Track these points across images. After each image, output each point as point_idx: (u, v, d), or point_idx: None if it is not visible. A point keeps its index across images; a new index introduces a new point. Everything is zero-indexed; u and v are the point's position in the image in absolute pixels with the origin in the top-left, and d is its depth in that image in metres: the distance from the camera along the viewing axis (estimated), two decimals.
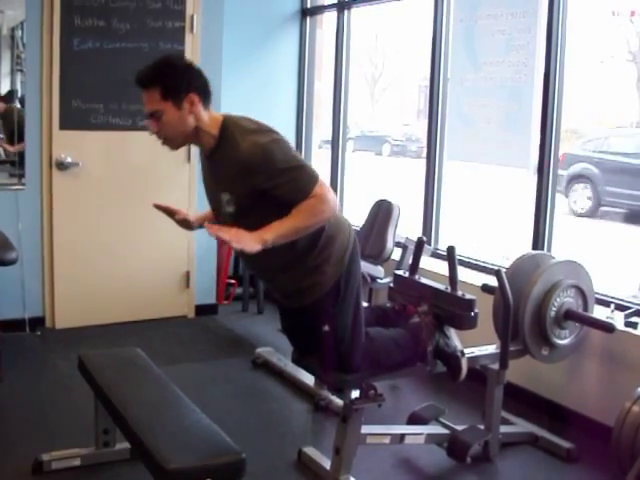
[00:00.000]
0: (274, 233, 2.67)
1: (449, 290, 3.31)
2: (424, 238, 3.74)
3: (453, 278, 3.31)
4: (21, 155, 5.10)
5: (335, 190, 6.29)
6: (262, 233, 2.66)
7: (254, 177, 2.69)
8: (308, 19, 6.47)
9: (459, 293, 3.28)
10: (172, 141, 2.83)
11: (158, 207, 3.09)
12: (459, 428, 3.58)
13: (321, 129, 7.16)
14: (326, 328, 2.95)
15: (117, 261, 5.44)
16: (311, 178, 2.73)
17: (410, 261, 3.77)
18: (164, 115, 2.73)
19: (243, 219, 2.76)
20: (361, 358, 3.04)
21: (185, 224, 3.20)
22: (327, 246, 2.90)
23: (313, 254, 2.88)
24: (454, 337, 3.31)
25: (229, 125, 2.78)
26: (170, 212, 3.14)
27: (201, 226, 3.21)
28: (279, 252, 2.74)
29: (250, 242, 2.63)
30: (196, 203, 5.55)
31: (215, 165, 2.86)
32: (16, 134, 5.15)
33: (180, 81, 2.73)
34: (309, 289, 2.94)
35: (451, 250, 3.33)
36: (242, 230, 2.65)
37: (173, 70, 2.76)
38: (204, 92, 2.79)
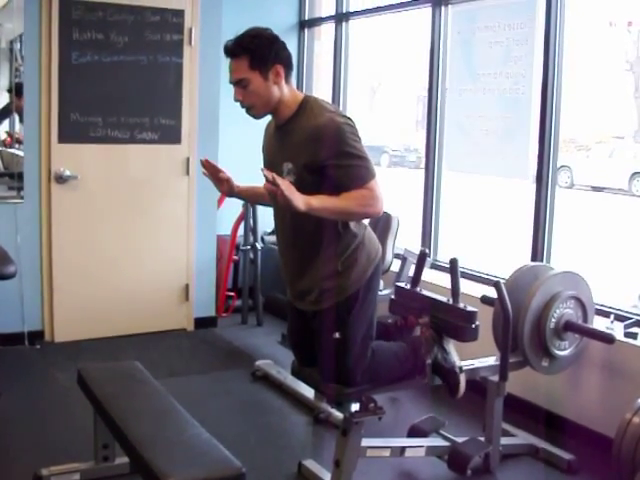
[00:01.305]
0: (321, 203, 2.73)
1: (451, 302, 3.31)
2: (426, 250, 3.74)
3: (455, 290, 3.31)
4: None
5: None
6: (310, 198, 2.71)
7: (321, 150, 2.77)
8: (306, 31, 6.49)
9: (461, 305, 3.27)
10: (256, 109, 2.91)
11: (204, 165, 3.18)
12: (459, 440, 3.57)
13: None
14: (337, 335, 2.98)
15: (116, 274, 5.44)
16: (370, 172, 2.81)
17: (409, 273, 3.77)
18: (250, 84, 2.84)
19: (300, 190, 2.78)
20: (363, 372, 3.04)
21: (227, 186, 3.22)
22: (356, 253, 2.97)
23: (344, 257, 2.94)
24: (453, 352, 3.31)
25: (309, 100, 2.91)
26: (215, 170, 3.19)
27: (240, 196, 3.36)
28: (315, 245, 2.91)
29: (298, 199, 2.67)
30: (195, 216, 5.55)
31: (285, 134, 2.94)
32: None
33: (268, 52, 2.85)
34: (330, 291, 2.98)
35: (454, 262, 3.32)
36: (293, 189, 2.69)
37: (262, 41, 2.88)
38: (289, 65, 2.92)
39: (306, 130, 2.83)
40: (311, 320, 3.10)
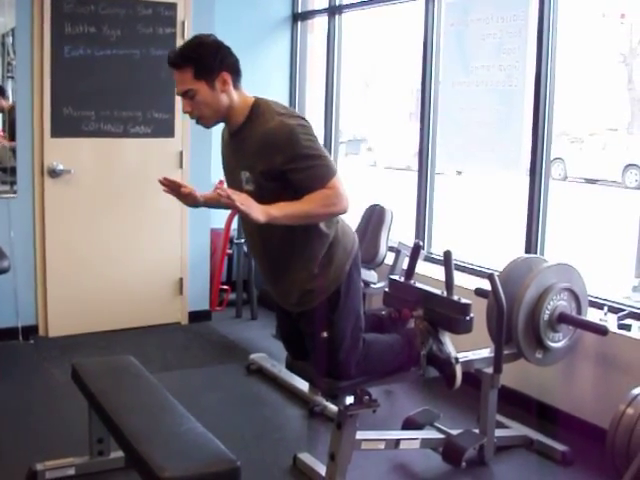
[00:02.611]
0: (282, 211, 2.68)
1: (445, 294, 3.31)
2: (420, 243, 3.73)
3: (449, 282, 3.31)
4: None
5: None
6: (270, 208, 2.65)
7: (276, 156, 2.71)
8: (299, 24, 6.48)
9: (455, 297, 3.27)
10: (206, 119, 2.85)
11: (163, 183, 3.09)
12: (454, 432, 3.58)
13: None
14: (325, 334, 2.95)
15: (110, 268, 5.43)
16: (330, 170, 2.74)
17: (403, 266, 3.77)
18: (197, 94, 2.76)
19: (260, 199, 2.75)
20: (357, 364, 3.04)
21: (191, 199, 3.16)
22: (330, 251, 2.92)
23: (319, 258, 2.90)
24: (448, 343, 3.31)
25: (260, 104, 2.83)
26: (175, 186, 3.12)
27: (207, 205, 3.24)
28: (287, 252, 2.85)
29: (257, 210, 2.62)
30: (188, 210, 5.54)
31: (239, 142, 2.88)
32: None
33: (213, 60, 2.76)
34: (311, 293, 2.94)
35: (447, 255, 3.32)
36: (250, 199, 2.65)
37: (205, 49, 2.78)
38: (236, 71, 2.83)
39: (258, 137, 2.76)
40: (297, 320, 3.09)
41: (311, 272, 2.91)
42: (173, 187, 3.11)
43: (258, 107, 2.82)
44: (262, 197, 2.71)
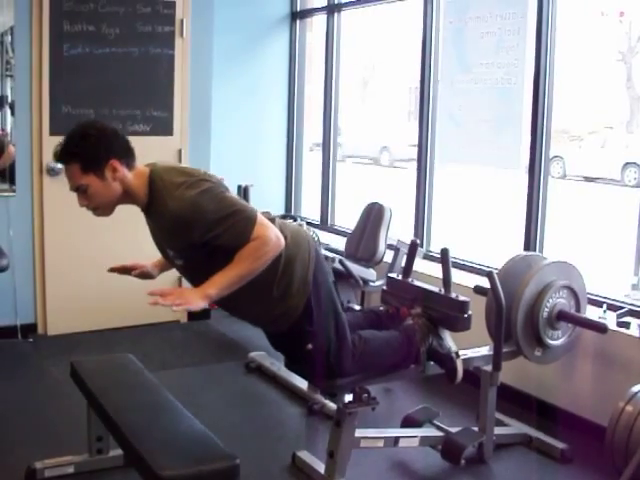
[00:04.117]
0: (218, 286, 2.62)
1: (443, 292, 3.31)
2: (417, 241, 3.73)
3: (447, 280, 3.31)
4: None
5: (327, 192, 6.29)
6: (206, 288, 2.61)
7: (190, 233, 2.63)
8: (298, 22, 6.47)
9: (453, 295, 3.27)
10: (103, 210, 2.78)
11: (113, 270, 3.10)
12: (453, 430, 3.58)
13: (312, 131, 7.15)
14: (309, 347, 2.94)
15: (109, 266, 5.41)
16: (248, 221, 2.65)
17: (402, 264, 3.77)
18: (89, 188, 2.68)
19: (194, 269, 2.76)
20: (354, 361, 3.04)
21: (146, 276, 3.14)
22: (288, 270, 2.84)
23: (276, 282, 2.83)
24: (448, 339, 3.31)
25: (155, 180, 2.71)
26: (127, 270, 3.10)
27: (162, 271, 3.18)
28: (243, 290, 2.69)
29: (194, 299, 2.58)
30: None
31: (152, 221, 2.82)
32: None
33: (97, 151, 2.66)
34: (282, 316, 2.92)
35: (445, 252, 3.32)
36: (184, 288, 2.64)
37: (88, 142, 2.67)
38: (125, 154, 2.73)
39: (165, 218, 2.67)
40: (280, 337, 3.08)
41: (274, 299, 2.86)
42: (124, 271, 3.11)
43: (154, 184, 2.71)
44: (195, 269, 2.72)
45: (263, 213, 2.94)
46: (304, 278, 2.88)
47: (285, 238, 2.81)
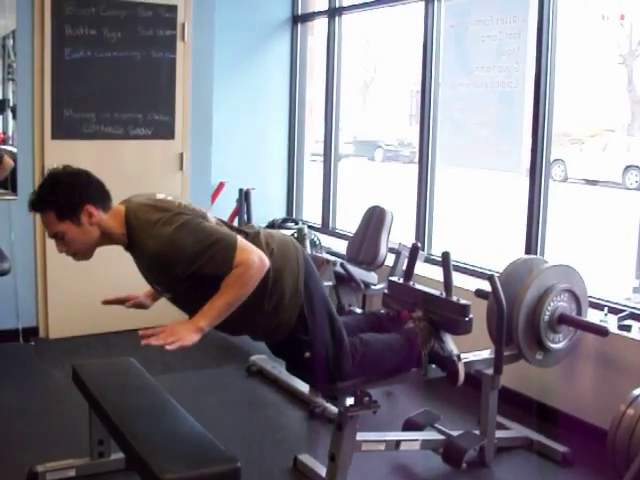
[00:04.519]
0: (208, 318, 2.63)
1: (444, 295, 3.31)
2: (419, 244, 3.74)
3: (448, 283, 3.31)
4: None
5: (328, 195, 6.29)
6: (197, 321, 2.62)
7: (173, 269, 2.64)
8: (299, 26, 6.49)
9: (454, 298, 3.27)
10: (82, 254, 2.79)
11: (106, 302, 3.12)
12: (454, 434, 3.58)
13: (313, 135, 7.16)
14: (307, 355, 2.94)
15: (110, 269, 5.39)
16: (229, 248, 2.62)
17: (404, 267, 3.77)
18: (66, 235, 2.69)
19: (183, 301, 2.78)
20: (354, 364, 3.04)
21: (140, 306, 3.17)
22: (278, 284, 2.83)
23: (267, 298, 2.81)
24: (450, 342, 3.31)
25: (131, 220, 2.71)
26: (121, 302, 3.13)
27: (155, 300, 3.21)
28: (235, 311, 2.68)
29: (187, 335, 2.59)
30: None
31: (135, 258, 2.82)
32: None
33: (71, 198, 2.66)
34: (277, 329, 2.92)
35: (446, 256, 3.33)
36: (175, 324, 2.63)
37: (62, 189, 2.67)
38: (100, 197, 2.73)
39: (146, 257, 2.68)
40: (278, 347, 3.11)
41: (267, 314, 2.85)
42: (118, 302, 3.15)
43: (131, 223, 2.70)
44: (184, 300, 2.75)
45: (247, 226, 2.94)
46: (295, 288, 2.87)
47: (271, 251, 2.82)
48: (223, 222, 2.92)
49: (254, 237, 2.86)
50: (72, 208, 2.65)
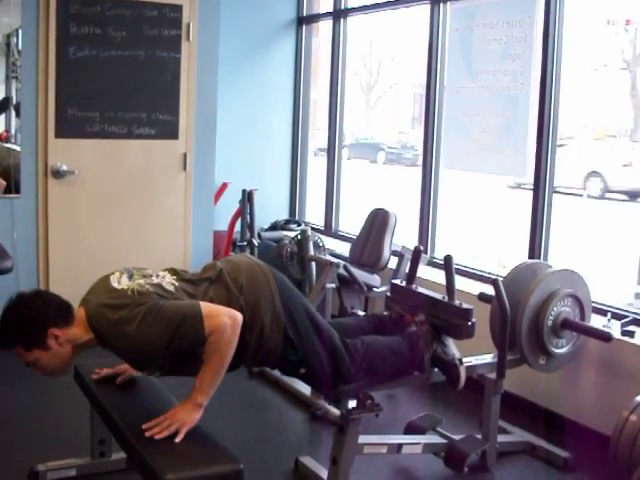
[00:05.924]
0: (204, 392, 2.68)
1: (446, 299, 3.30)
2: (421, 247, 3.73)
3: (450, 287, 3.30)
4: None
5: (331, 197, 6.29)
6: (193, 399, 2.66)
7: (149, 360, 2.72)
8: (304, 27, 6.49)
9: (456, 302, 3.26)
10: (59, 372, 2.83)
11: (97, 380, 3.16)
12: (456, 437, 3.57)
13: (317, 137, 7.17)
14: (302, 371, 2.99)
15: (113, 269, 5.39)
16: (196, 321, 2.63)
17: (407, 270, 3.76)
18: (38, 361, 2.73)
19: (173, 373, 2.80)
20: (355, 366, 3.04)
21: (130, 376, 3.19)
22: (255, 318, 2.83)
23: (247, 333, 2.80)
24: (452, 345, 3.30)
25: (93, 325, 2.71)
26: (112, 377, 3.16)
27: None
28: None
29: (188, 417, 2.63)
30: (192, 211, 5.54)
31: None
32: None
33: (33, 328, 2.68)
34: (266, 357, 2.94)
35: (448, 259, 3.32)
36: (177, 410, 2.65)
37: (22, 322, 2.69)
38: (61, 316, 2.74)
39: (120, 355, 2.77)
40: (272, 367, 3.16)
41: (251, 347, 2.85)
42: (110, 376, 3.17)
43: (95, 328, 2.70)
44: (173, 372, 2.79)
45: (205, 267, 2.97)
46: (274, 313, 2.87)
47: (241, 287, 2.85)
48: (176, 272, 2.93)
49: (218, 278, 2.88)
50: (37, 337, 2.68)
